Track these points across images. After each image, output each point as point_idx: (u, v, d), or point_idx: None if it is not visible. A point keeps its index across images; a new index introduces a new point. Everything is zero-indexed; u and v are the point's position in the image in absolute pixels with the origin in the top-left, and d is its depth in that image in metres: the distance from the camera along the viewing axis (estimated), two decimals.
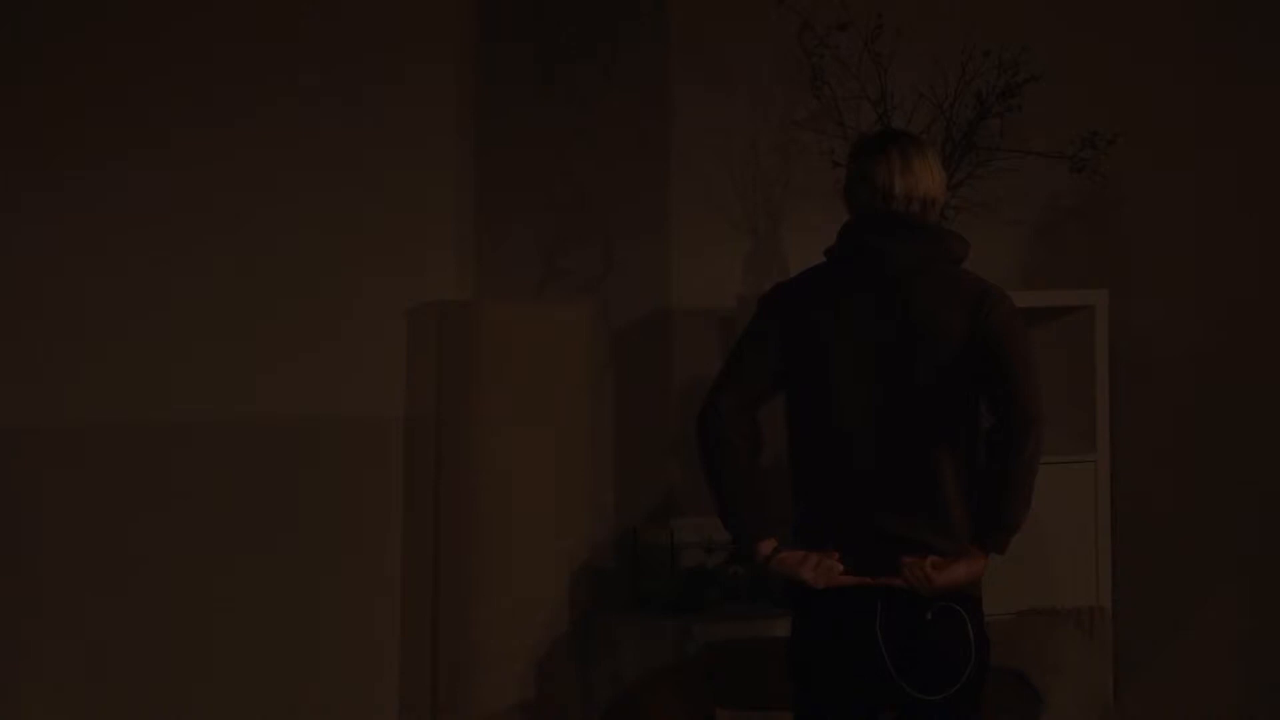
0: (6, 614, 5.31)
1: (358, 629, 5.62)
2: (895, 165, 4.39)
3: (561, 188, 5.81)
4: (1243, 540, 6.29)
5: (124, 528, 5.40)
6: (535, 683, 5.59)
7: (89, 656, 5.38)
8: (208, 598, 5.47)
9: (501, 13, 5.75)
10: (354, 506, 5.62)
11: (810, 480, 4.39)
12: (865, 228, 4.41)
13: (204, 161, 5.47)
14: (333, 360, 5.58)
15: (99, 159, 5.37)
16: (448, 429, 5.64)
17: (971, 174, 5.89)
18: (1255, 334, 6.30)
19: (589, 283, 5.83)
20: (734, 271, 5.96)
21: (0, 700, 5.29)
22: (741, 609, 5.60)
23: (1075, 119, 5.98)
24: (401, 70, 5.65)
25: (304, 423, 5.56)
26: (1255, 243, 6.34)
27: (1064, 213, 6.25)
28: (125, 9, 5.40)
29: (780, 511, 4.44)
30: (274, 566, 5.53)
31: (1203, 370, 6.30)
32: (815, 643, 4.35)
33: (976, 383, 4.34)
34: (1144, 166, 6.22)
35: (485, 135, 5.73)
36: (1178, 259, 6.33)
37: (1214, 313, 6.33)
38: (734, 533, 4.40)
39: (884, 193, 4.38)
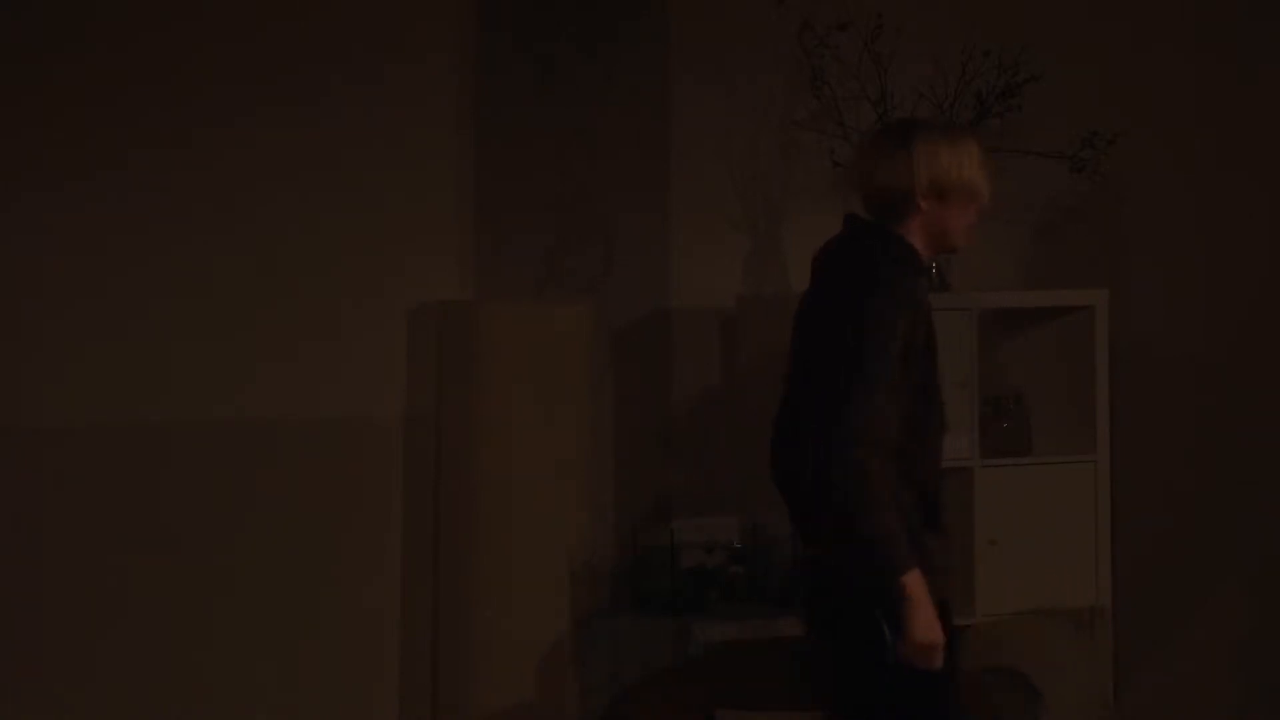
0: (6, 614, 5.30)
1: (357, 628, 5.63)
2: (858, 158, 4.38)
3: (561, 187, 5.81)
4: (1243, 540, 6.29)
5: (124, 528, 5.40)
6: (535, 683, 5.59)
7: (89, 656, 5.38)
8: (207, 597, 5.47)
9: (501, 12, 5.76)
10: (354, 506, 5.62)
11: None
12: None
13: (203, 161, 5.46)
14: (333, 360, 5.58)
15: (97, 159, 5.37)
16: (448, 429, 5.64)
17: None
18: (1256, 333, 6.31)
19: (589, 283, 5.83)
20: (734, 271, 5.96)
21: (0, 700, 5.29)
22: (741, 609, 5.60)
23: (1075, 119, 5.98)
24: (401, 70, 5.65)
25: (304, 423, 5.56)
26: (1255, 242, 6.34)
27: (1064, 213, 6.26)
28: (125, 9, 5.40)
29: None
30: (273, 566, 5.53)
31: (1203, 370, 6.31)
32: None
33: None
34: (1144, 166, 6.23)
35: (485, 135, 5.73)
36: (1178, 259, 6.33)
37: (1214, 312, 6.33)
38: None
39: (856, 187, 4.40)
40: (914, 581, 4.07)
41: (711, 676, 5.29)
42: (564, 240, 5.82)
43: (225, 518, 5.49)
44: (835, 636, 4.22)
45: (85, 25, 5.36)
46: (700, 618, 5.54)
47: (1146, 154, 6.20)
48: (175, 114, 5.43)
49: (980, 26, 5.97)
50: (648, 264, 5.90)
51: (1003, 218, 6.13)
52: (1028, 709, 5.51)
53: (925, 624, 4.08)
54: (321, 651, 5.58)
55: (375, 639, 5.64)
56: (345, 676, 5.61)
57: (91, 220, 5.38)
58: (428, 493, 5.67)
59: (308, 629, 5.57)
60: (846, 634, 4.18)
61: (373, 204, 5.62)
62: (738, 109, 5.95)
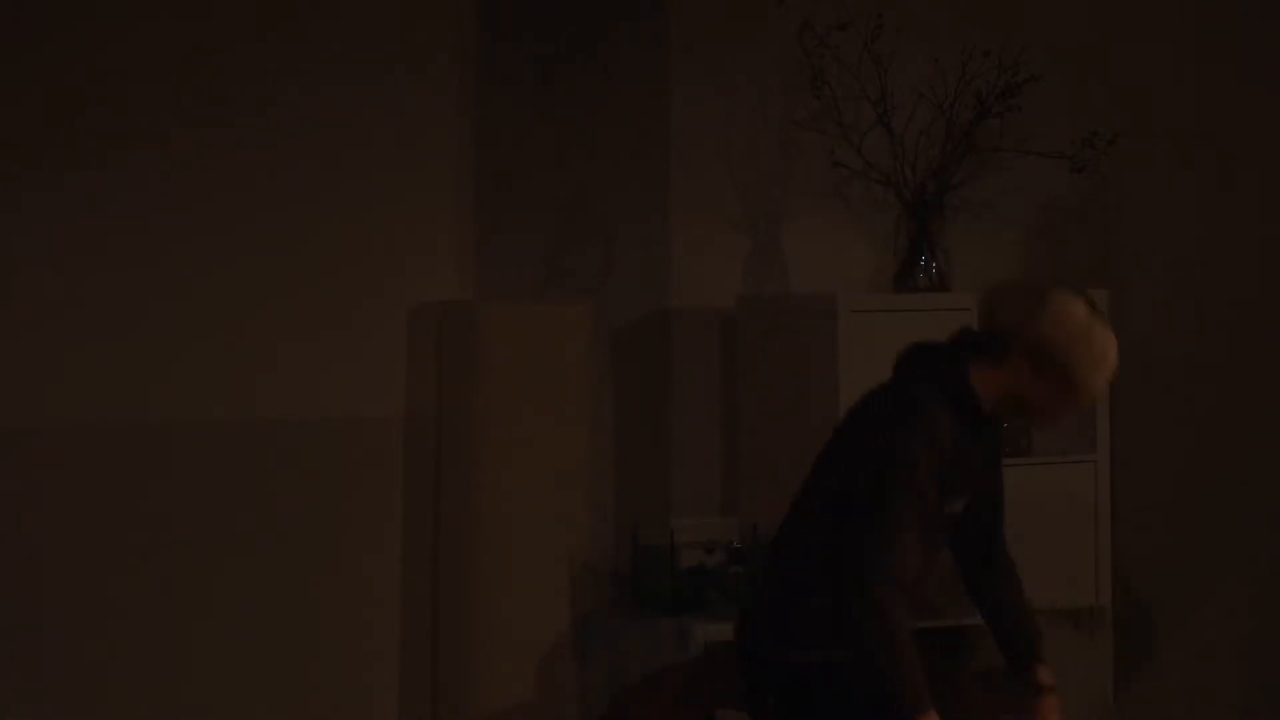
0: (6, 614, 5.30)
1: (357, 629, 5.62)
2: (1005, 292, 4.24)
3: (561, 187, 5.81)
4: (1243, 540, 6.30)
5: (123, 528, 5.40)
6: (535, 683, 5.59)
7: (89, 656, 5.38)
8: (207, 597, 5.47)
9: (501, 12, 5.75)
10: (354, 506, 5.62)
11: None
12: None
13: (204, 161, 5.47)
14: (333, 360, 5.58)
15: (99, 159, 5.37)
16: (448, 429, 5.64)
17: (972, 174, 5.89)
18: (1255, 334, 6.31)
19: (589, 283, 5.83)
20: (734, 271, 5.96)
21: (0, 700, 5.29)
22: None
23: (1075, 119, 5.98)
24: (401, 70, 5.65)
25: (304, 422, 5.56)
26: (1255, 242, 6.35)
27: (1064, 213, 6.26)
28: (124, 9, 5.40)
29: None
30: (274, 566, 5.53)
31: (1203, 370, 6.31)
32: None
33: None
34: (1144, 166, 6.23)
35: (485, 135, 5.73)
36: (1178, 259, 6.33)
37: (1214, 313, 6.34)
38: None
39: None
40: None
41: (711, 676, 5.29)
42: (564, 240, 5.82)
43: (225, 518, 5.49)
44: None
45: (85, 25, 5.36)
46: (700, 618, 5.54)
47: (1146, 154, 6.20)
48: (175, 114, 5.43)
49: (980, 26, 5.97)
50: (648, 264, 5.90)
51: (1003, 218, 6.14)
52: (1028, 709, 5.51)
53: None
54: (322, 651, 5.58)
55: (375, 639, 5.64)
56: (345, 676, 5.61)
57: (91, 220, 5.38)
58: (428, 493, 5.67)
59: (308, 628, 5.57)
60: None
61: (373, 204, 5.62)
62: (738, 109, 5.95)
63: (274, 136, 5.52)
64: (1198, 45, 6.32)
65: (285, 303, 5.55)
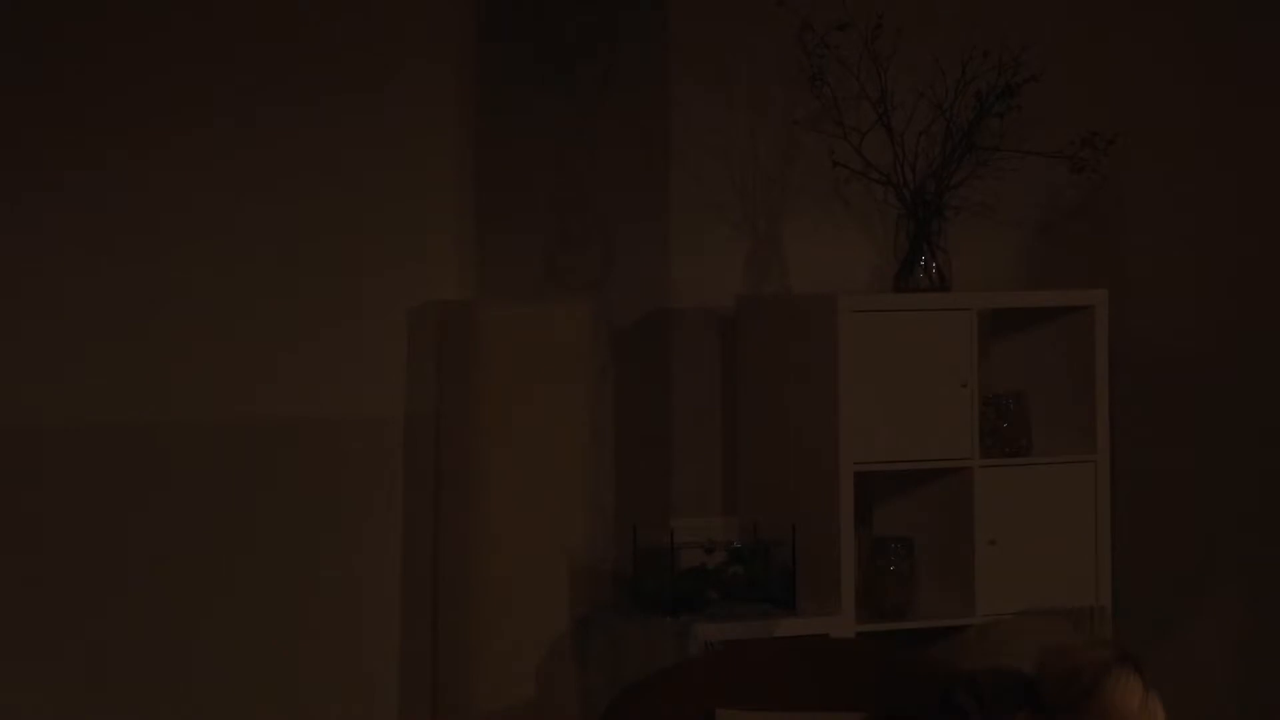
0: (6, 614, 5.30)
1: (357, 629, 5.62)
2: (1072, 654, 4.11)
3: (561, 187, 5.81)
4: (1243, 540, 6.29)
5: (124, 528, 5.40)
6: (535, 683, 5.59)
7: (89, 656, 5.38)
8: (207, 597, 5.47)
9: (501, 12, 5.76)
10: (354, 506, 5.62)
11: None
12: None
13: (203, 161, 5.47)
14: (333, 360, 5.58)
15: (99, 159, 5.37)
16: (448, 429, 5.64)
17: (972, 174, 5.89)
18: (1255, 334, 6.31)
19: (589, 283, 5.83)
20: (734, 271, 5.96)
21: (0, 699, 5.29)
22: (741, 609, 5.60)
23: (1075, 119, 5.98)
24: (401, 70, 5.65)
25: (304, 423, 5.56)
26: (1255, 243, 6.35)
27: (1064, 213, 6.26)
28: (125, 9, 5.40)
29: None
30: (273, 567, 5.53)
31: (1202, 370, 6.31)
32: None
33: None
34: (1144, 166, 6.23)
35: (485, 135, 5.73)
36: (1178, 259, 6.33)
37: (1214, 313, 6.34)
38: None
39: None
40: None
41: (711, 676, 5.29)
42: (564, 240, 5.82)
43: (224, 518, 5.49)
44: None
45: (88, 25, 5.36)
46: (700, 618, 5.54)
47: (1146, 154, 6.20)
48: (175, 114, 5.43)
49: (980, 26, 5.97)
50: (648, 264, 5.90)
51: (1003, 218, 6.14)
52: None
53: None
54: (321, 651, 5.58)
55: (375, 639, 5.64)
56: (345, 676, 5.61)
57: (92, 220, 5.38)
58: (428, 493, 5.67)
59: (307, 629, 5.57)
60: None
61: (373, 204, 5.62)
62: (738, 109, 5.95)
63: (274, 137, 5.52)
64: (1198, 45, 6.32)
65: (285, 303, 5.55)
